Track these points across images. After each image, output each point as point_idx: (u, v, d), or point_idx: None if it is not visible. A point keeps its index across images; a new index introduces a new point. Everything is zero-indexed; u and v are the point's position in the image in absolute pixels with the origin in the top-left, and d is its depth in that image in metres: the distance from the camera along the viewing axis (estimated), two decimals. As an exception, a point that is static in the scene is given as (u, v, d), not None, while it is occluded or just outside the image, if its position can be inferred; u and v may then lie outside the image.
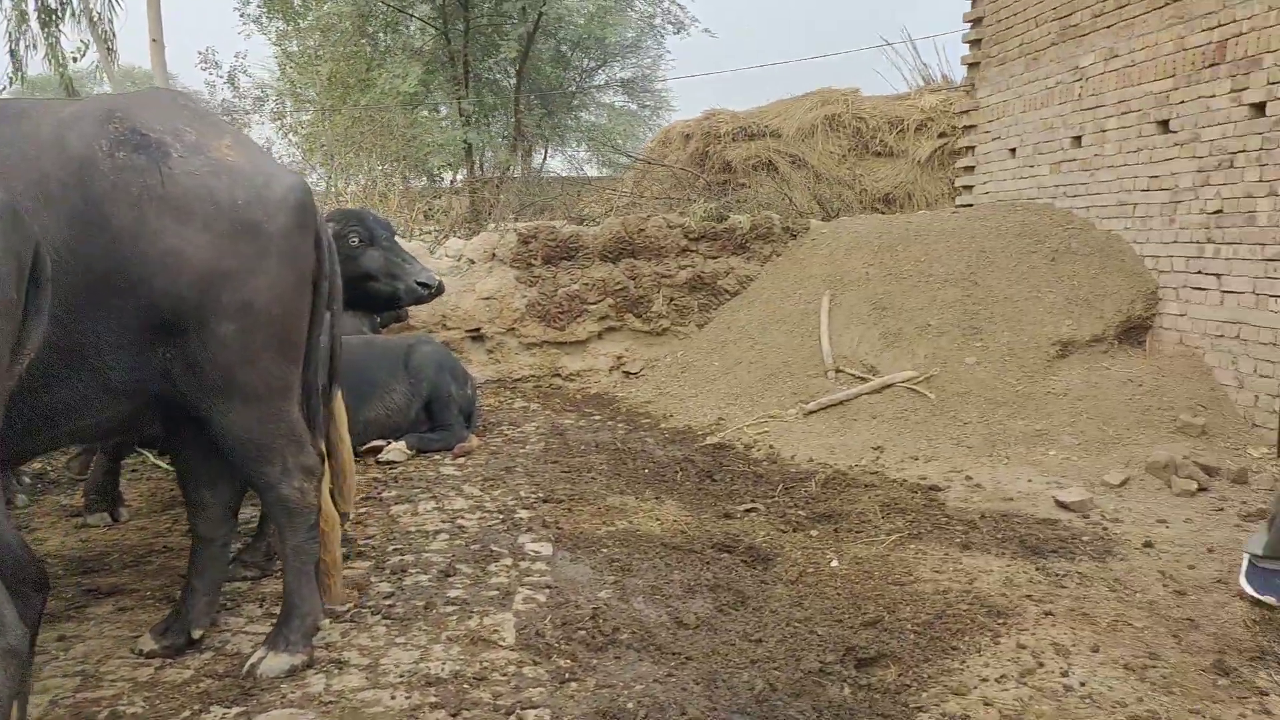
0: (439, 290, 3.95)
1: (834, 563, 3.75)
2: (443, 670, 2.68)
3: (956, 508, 4.40)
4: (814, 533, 4.13)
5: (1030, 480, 4.76)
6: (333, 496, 3.08)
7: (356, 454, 5.25)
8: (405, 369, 5.49)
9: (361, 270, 3.79)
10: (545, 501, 4.45)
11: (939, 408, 5.62)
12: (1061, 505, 4.36)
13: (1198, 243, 5.56)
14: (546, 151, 24.11)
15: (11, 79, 12.41)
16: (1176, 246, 5.77)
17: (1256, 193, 5.07)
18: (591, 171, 20.75)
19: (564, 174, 19.87)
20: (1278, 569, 3.35)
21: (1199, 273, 5.58)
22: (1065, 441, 5.13)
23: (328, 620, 2.96)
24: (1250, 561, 3.39)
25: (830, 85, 12.34)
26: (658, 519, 4.26)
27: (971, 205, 8.05)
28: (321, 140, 12.17)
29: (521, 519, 4.17)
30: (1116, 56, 6.20)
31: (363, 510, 4.30)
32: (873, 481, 4.84)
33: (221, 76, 13.10)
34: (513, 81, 15.77)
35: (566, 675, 2.67)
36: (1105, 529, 4.06)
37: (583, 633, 2.95)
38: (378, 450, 5.24)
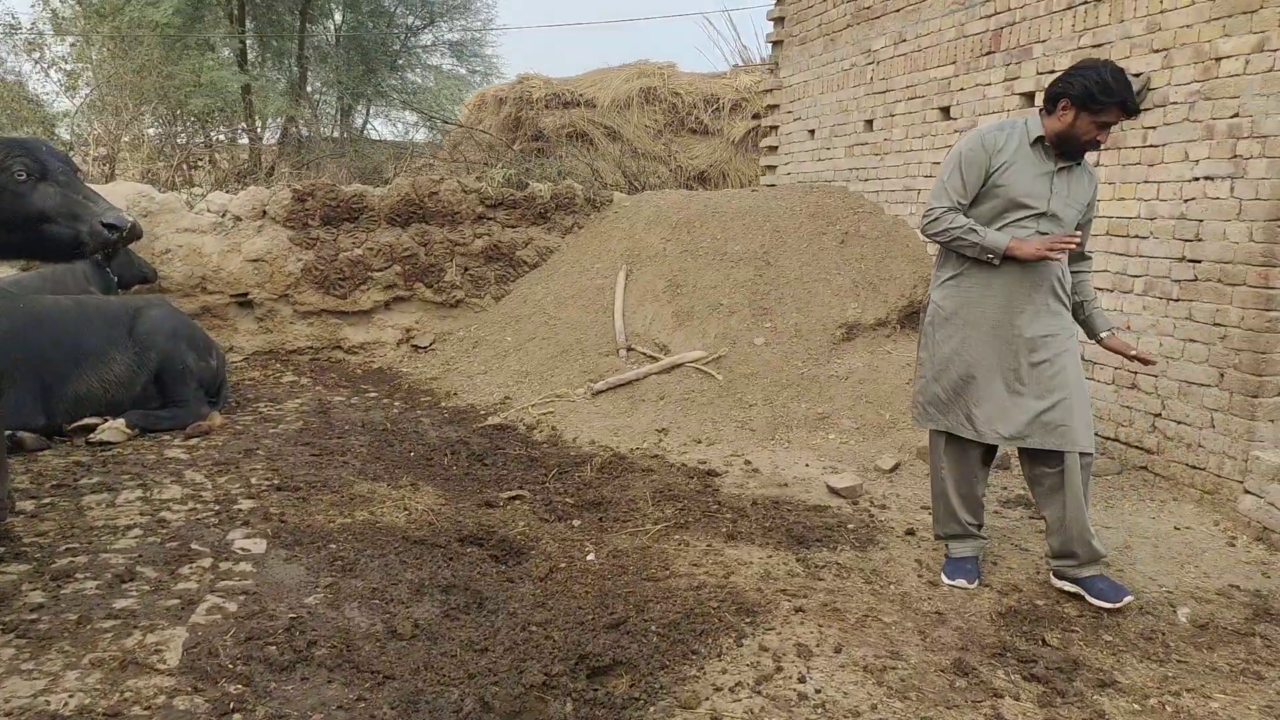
0: (133, 233, 3.29)
1: (590, 556, 3.45)
2: (66, 705, 2.17)
3: (730, 494, 4.22)
4: (577, 522, 3.84)
5: (807, 465, 4.67)
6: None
7: (61, 433, 4.52)
8: (130, 336, 4.76)
9: (33, 209, 3.11)
10: (278, 490, 3.93)
11: (726, 389, 5.47)
12: (833, 491, 4.27)
13: (975, 230, 5.66)
14: (369, 112, 22.77)
15: None
16: (957, 233, 5.86)
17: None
18: (420, 138, 19.69)
19: (388, 139, 18.77)
20: (965, 554, 3.34)
21: (975, 260, 5.68)
22: (844, 425, 5.09)
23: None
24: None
25: (647, 59, 12.13)
26: (406, 509, 3.83)
27: (774, 186, 8.01)
28: (85, 77, 10.79)
29: (241, 510, 3.63)
30: (904, 41, 6.24)
31: (45, 501, 3.62)
32: (651, 466, 4.61)
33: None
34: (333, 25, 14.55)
35: (230, 706, 2.22)
36: (871, 516, 3.98)
37: (271, 649, 2.50)
38: (90, 429, 4.51)
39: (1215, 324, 4.01)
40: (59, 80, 11.46)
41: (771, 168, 8.33)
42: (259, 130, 12.01)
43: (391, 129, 22.07)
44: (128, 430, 4.55)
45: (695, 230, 6.71)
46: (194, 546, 3.22)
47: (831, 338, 5.74)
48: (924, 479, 4.49)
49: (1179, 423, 4.20)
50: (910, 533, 3.78)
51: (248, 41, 14.42)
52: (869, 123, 6.77)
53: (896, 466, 4.60)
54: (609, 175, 10.00)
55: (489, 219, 7.52)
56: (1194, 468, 4.12)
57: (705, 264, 6.39)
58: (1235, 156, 3.90)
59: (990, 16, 5.42)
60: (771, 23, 8.34)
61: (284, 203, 7.05)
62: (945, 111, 5.88)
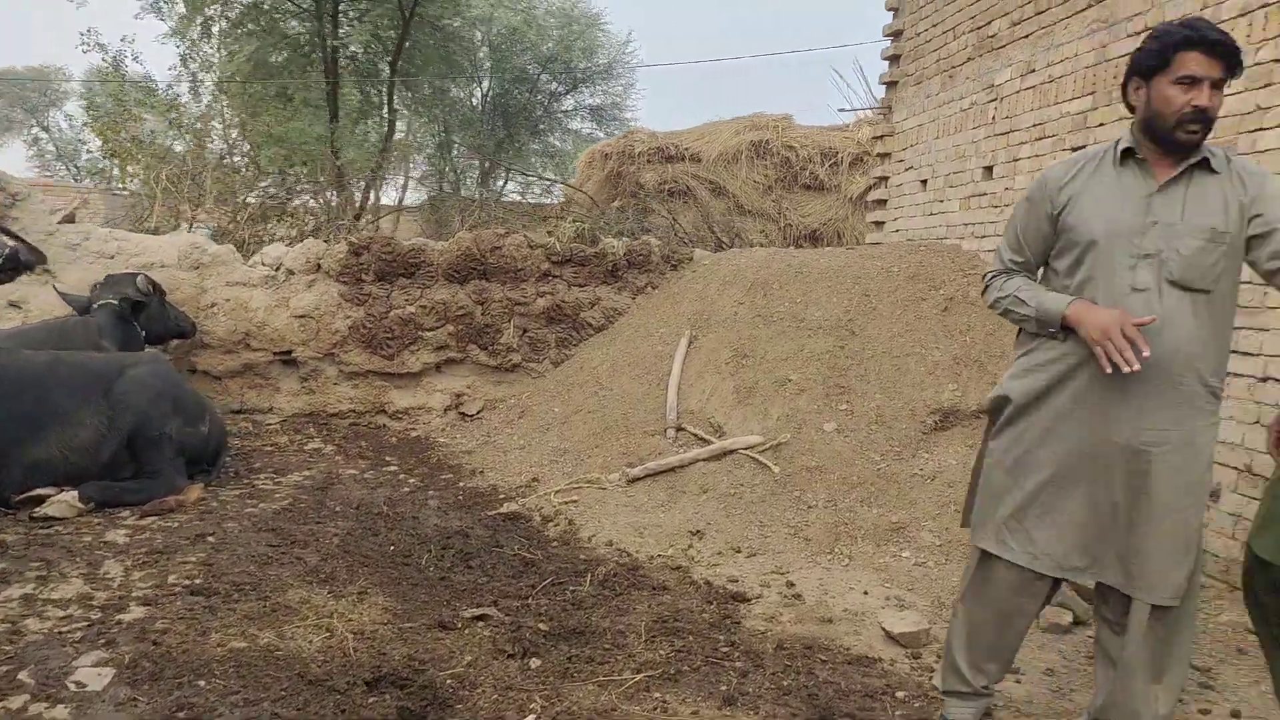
0: (18, 263, 2.78)
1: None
2: None
3: (753, 630, 3.25)
4: (537, 662, 2.96)
5: (866, 592, 3.62)
6: None
7: (6, 505, 4.05)
8: (106, 397, 4.30)
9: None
10: (192, 594, 3.25)
11: (782, 484, 4.48)
12: (889, 636, 3.22)
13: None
14: (507, 175, 23.23)
15: None
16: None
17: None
18: (556, 199, 19.82)
19: (518, 199, 18.85)
20: None
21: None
22: (924, 539, 4.00)
23: None
24: None
25: (762, 111, 11.36)
26: (330, 629, 3.07)
27: (878, 245, 7.00)
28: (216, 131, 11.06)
29: (121, 623, 2.97)
30: (1034, 71, 5.18)
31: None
32: (667, 582, 3.69)
33: (106, 61, 11.91)
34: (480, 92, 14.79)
35: None
36: (933, 679, 2.91)
37: None
38: (39, 501, 4.02)
39: None
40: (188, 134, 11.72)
41: (879, 224, 7.32)
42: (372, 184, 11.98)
43: (528, 192, 22.28)
44: (80, 504, 4.04)
45: (773, 292, 5.79)
46: (20, 677, 2.56)
47: (921, 426, 4.66)
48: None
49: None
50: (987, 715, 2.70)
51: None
52: (988, 169, 5.71)
53: (986, 606, 3.48)
54: (702, 232, 9.22)
55: (555, 277, 6.86)
56: None
57: (778, 331, 5.45)
58: None
59: (1139, 34, 4.32)
60: (886, 62, 7.41)
61: (339, 256, 6.63)
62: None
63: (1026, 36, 5.25)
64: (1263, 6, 3.59)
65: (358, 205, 10.70)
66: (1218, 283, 2.15)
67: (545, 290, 6.81)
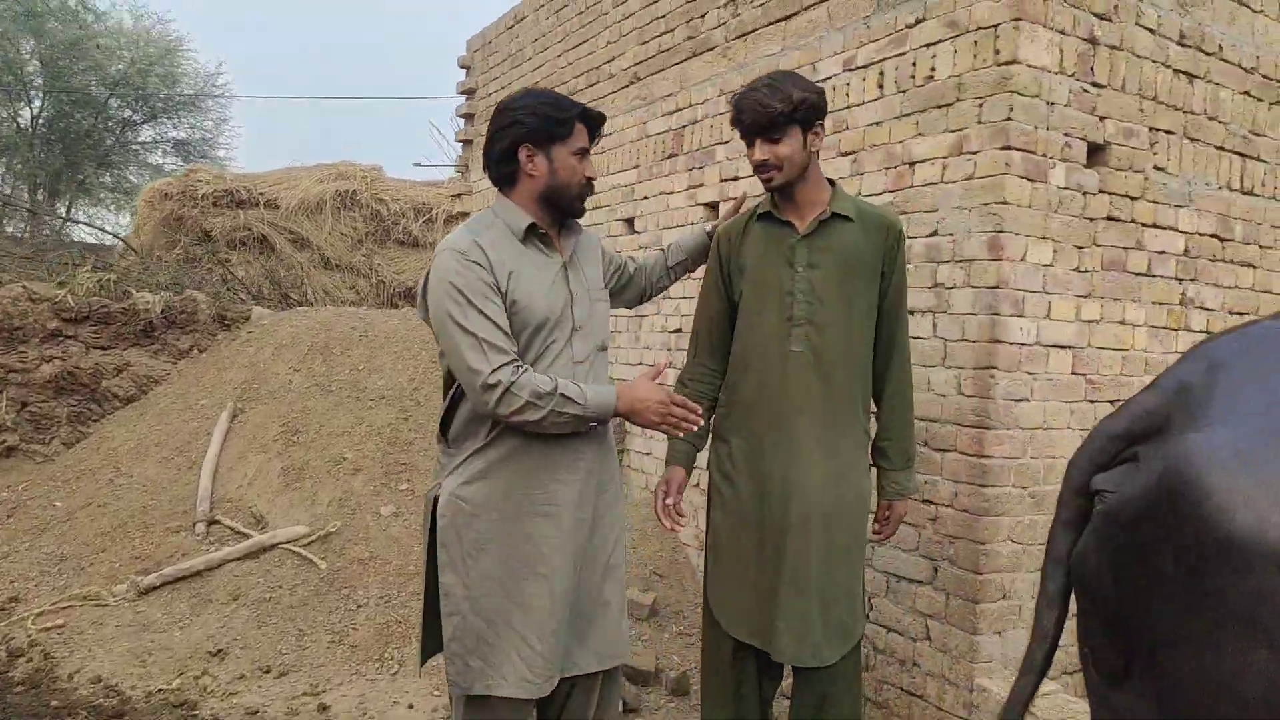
0: None
1: None
2: None
3: (261, 779, 2.69)
4: None
5: (412, 705, 3.23)
6: None
7: None
8: None
9: None
10: None
11: (329, 581, 3.96)
12: (424, 761, 2.85)
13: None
14: (70, 206, 20.10)
15: None
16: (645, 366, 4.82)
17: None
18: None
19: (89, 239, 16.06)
20: None
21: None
22: (479, 633, 3.71)
23: None
24: None
25: (351, 159, 10.75)
26: None
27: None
28: None
29: None
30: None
31: None
32: (164, 725, 2.99)
33: None
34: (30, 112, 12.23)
35: None
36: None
37: None
38: None
39: (925, 500, 3.06)
40: None
41: (460, 283, 7.10)
42: None
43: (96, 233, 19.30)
44: None
45: (333, 358, 5.26)
46: None
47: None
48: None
49: (890, 629, 3.18)
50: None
51: None
52: (555, 234, 5.72)
53: None
54: (269, 288, 8.38)
55: (68, 337, 5.69)
56: (910, 694, 3.09)
57: (336, 402, 4.94)
58: (936, 285, 3.05)
59: (673, 113, 4.54)
60: (462, 119, 7.29)
61: None
62: (630, 224, 4.91)
63: (584, 107, 5.37)
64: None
65: None
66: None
67: (54, 354, 5.61)
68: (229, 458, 4.75)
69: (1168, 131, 3.22)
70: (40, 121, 19.49)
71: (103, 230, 10.35)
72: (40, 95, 19.17)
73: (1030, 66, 2.82)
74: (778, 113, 2.26)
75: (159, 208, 10.24)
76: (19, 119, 19.33)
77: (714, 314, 2.48)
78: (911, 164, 3.15)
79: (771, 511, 2.32)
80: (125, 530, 4.40)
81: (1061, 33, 2.89)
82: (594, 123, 2.17)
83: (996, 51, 2.84)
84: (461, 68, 7.03)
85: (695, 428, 2.13)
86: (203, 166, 10.06)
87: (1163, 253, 3.26)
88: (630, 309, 2.77)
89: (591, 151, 2.19)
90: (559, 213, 2.16)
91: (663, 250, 2.67)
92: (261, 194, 9.75)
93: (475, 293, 1.98)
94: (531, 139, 2.08)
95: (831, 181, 2.44)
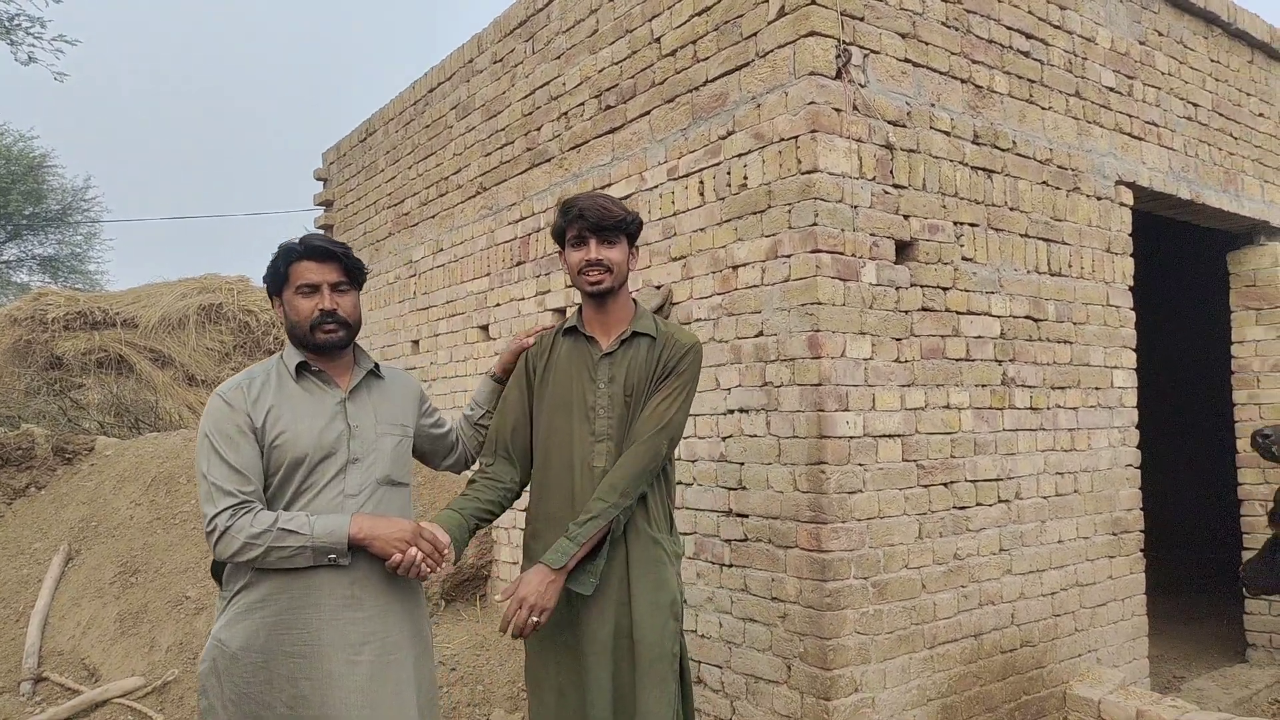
0: None
1: None
2: None
3: None
4: None
5: None
6: None
7: None
8: None
9: None
10: None
11: (166, 736, 3.66)
12: None
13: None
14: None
15: None
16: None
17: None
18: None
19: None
20: None
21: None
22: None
23: None
24: None
25: (216, 273, 10.48)
26: None
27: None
28: None
29: None
30: (442, 250, 5.28)
31: None
32: None
33: None
34: None
35: None
36: None
37: None
38: None
39: (773, 599, 3.06)
40: None
41: (326, 396, 6.90)
42: None
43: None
44: None
45: (178, 488, 4.99)
46: None
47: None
48: None
49: (753, 734, 3.13)
50: None
51: None
52: (415, 343, 5.65)
53: None
54: (117, 413, 7.98)
55: (-118, 485, 5.25)
56: (776, 801, 3.02)
57: (180, 536, 4.66)
58: (766, 384, 3.11)
59: (518, 221, 4.59)
60: (321, 230, 7.20)
61: None
62: (485, 330, 4.88)
63: (434, 217, 5.38)
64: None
65: None
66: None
67: None
68: (61, 605, 4.40)
69: (971, 224, 3.42)
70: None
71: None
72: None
73: (830, 174, 2.96)
74: (619, 218, 2.33)
75: (7, 334, 9.71)
76: None
77: (515, 423, 2.44)
78: (735, 268, 3.24)
79: (585, 628, 2.26)
80: (-63, 699, 3.99)
81: (859, 140, 3.05)
82: (313, 254, 2.12)
83: (799, 161, 2.98)
84: (318, 180, 6.98)
85: (435, 571, 2.07)
86: (52, 289, 9.59)
87: (980, 337, 3.42)
88: (458, 474, 2.76)
89: (362, 277, 2.21)
90: (314, 349, 2.14)
91: (465, 414, 2.63)
92: (118, 313, 9.37)
93: (221, 437, 2.01)
94: (271, 290, 2.20)
95: (635, 302, 2.47)
